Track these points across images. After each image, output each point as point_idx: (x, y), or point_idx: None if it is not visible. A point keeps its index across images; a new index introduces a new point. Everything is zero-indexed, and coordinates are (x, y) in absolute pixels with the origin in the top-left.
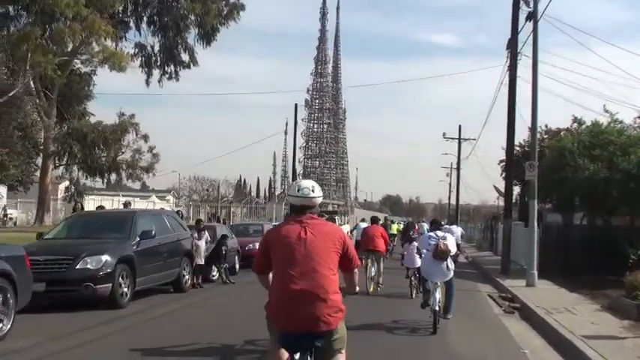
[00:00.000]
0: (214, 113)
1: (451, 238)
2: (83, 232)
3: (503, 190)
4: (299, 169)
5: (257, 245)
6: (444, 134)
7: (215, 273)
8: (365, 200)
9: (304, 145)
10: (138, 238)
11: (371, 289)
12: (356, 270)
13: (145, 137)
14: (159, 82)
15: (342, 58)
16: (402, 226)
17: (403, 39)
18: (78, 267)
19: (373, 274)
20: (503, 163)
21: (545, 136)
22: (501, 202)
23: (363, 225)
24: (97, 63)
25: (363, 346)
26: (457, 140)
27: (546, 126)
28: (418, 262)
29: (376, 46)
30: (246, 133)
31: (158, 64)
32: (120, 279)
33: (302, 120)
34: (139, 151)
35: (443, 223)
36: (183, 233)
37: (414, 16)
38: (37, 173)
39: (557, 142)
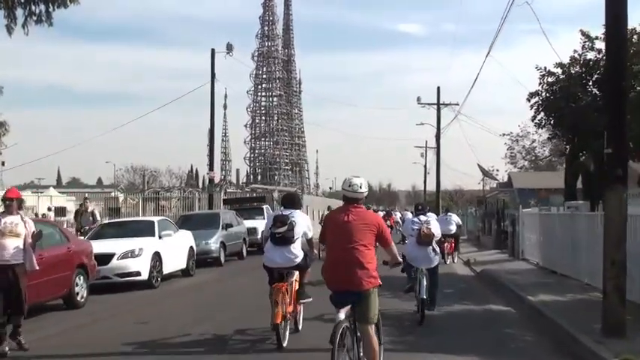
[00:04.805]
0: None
1: (435, 222)
2: None
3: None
4: (245, 151)
5: None
6: (418, 99)
7: None
8: (330, 188)
9: (250, 122)
10: None
11: None
12: (391, 246)
13: None
14: (23, 27)
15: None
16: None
17: (368, 29)
18: None
19: None
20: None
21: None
22: (488, 185)
23: None
24: None
25: None
26: (435, 106)
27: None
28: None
29: (337, 37)
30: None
31: (22, 1)
32: None
33: (247, 92)
34: None
35: (428, 208)
36: None
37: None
38: None
39: None
